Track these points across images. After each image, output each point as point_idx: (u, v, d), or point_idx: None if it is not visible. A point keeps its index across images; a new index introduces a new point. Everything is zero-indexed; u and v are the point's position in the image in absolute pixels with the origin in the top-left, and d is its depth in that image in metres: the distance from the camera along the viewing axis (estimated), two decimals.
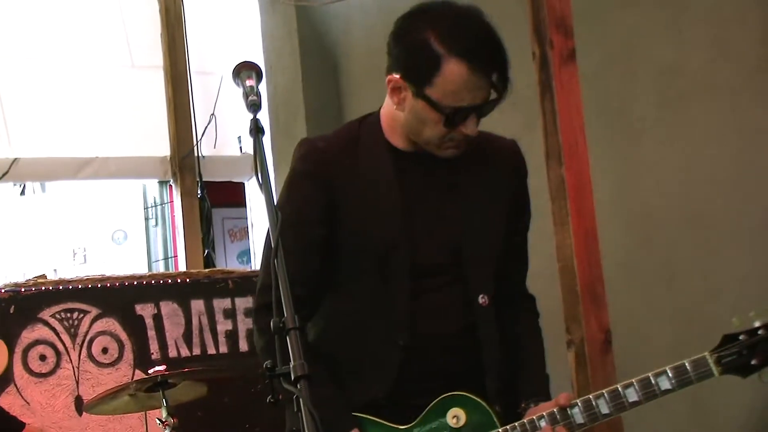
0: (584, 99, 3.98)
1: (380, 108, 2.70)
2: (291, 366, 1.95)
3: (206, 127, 7.18)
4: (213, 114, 7.19)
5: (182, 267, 7.09)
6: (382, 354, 2.59)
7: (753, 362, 2.41)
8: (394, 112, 2.61)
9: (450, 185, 2.65)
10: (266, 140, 2.26)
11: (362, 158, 2.63)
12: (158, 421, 3.98)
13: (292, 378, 1.93)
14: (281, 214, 2.45)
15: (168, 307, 5.07)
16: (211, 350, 5.10)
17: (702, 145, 4.27)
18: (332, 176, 2.59)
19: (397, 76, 2.53)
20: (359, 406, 2.58)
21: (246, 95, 2.27)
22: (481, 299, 2.62)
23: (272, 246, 2.08)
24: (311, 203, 2.60)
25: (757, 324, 2.42)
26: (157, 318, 5.04)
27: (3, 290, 4.75)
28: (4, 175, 6.60)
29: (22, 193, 9.32)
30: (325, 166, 2.61)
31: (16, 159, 6.57)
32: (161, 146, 7.09)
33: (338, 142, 2.68)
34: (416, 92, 2.50)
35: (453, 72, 2.45)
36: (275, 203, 2.18)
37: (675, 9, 4.37)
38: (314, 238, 2.60)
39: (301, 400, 1.90)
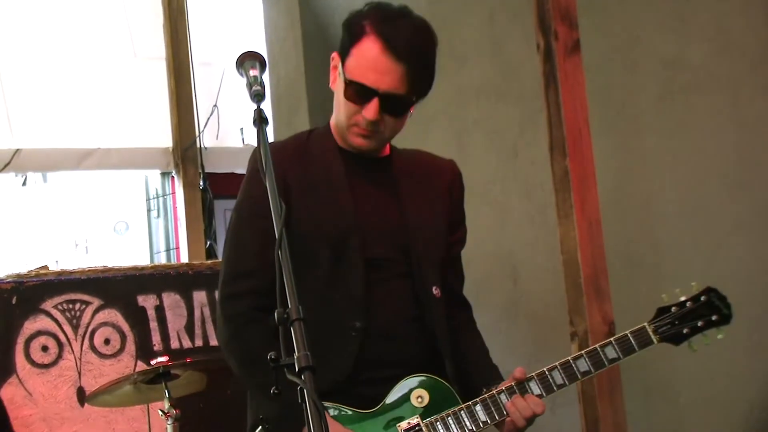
0: (587, 91, 3.97)
1: (329, 121, 2.84)
2: (295, 357, 1.94)
3: (208, 119, 7.18)
4: (215, 105, 7.20)
5: (184, 258, 7.10)
6: (339, 338, 2.66)
7: (684, 331, 2.70)
8: (334, 109, 2.77)
9: (394, 187, 2.81)
10: (269, 131, 2.25)
11: (313, 157, 2.77)
12: (160, 413, 3.98)
13: (296, 369, 1.92)
14: (240, 212, 2.76)
15: (170, 299, 5.07)
16: (213, 342, 5.09)
17: (705, 137, 4.26)
18: (285, 175, 2.69)
19: (336, 53, 2.72)
20: (321, 392, 2.60)
21: (250, 85, 2.29)
22: (434, 290, 2.77)
23: (276, 237, 2.09)
24: (266, 200, 2.63)
25: (683, 298, 2.74)
26: (159, 309, 5.03)
27: (5, 281, 4.75)
28: (6, 165, 6.60)
29: (24, 183, 9.33)
30: (279, 164, 2.66)
31: (18, 150, 6.57)
32: (163, 137, 7.09)
33: (290, 146, 2.83)
34: (341, 67, 2.67)
35: (366, 46, 2.62)
36: (278, 194, 2.17)
37: (678, 1, 4.36)
38: (270, 231, 2.62)
39: (305, 391, 1.89)
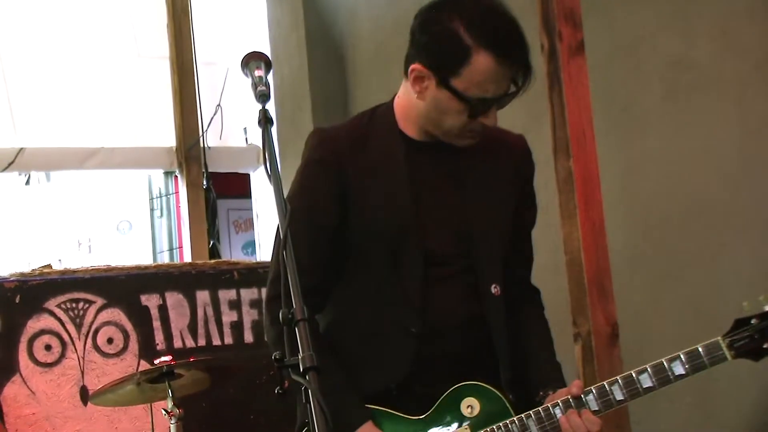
0: (591, 91, 3.97)
1: (393, 98, 2.71)
2: (300, 357, 1.94)
3: (212, 118, 7.18)
4: (219, 105, 7.20)
5: (187, 258, 7.10)
6: (395, 343, 2.58)
7: (765, 345, 2.41)
8: (411, 102, 2.62)
9: (458, 176, 2.67)
10: (272, 130, 2.24)
11: (374, 147, 2.65)
12: (164, 412, 3.98)
13: (301, 369, 1.92)
14: (293, 203, 2.47)
15: (173, 298, 5.07)
16: (216, 341, 5.10)
17: (709, 137, 4.26)
18: (344, 165, 2.60)
19: (421, 66, 2.54)
20: (371, 396, 2.58)
21: (255, 85, 2.26)
22: (494, 289, 2.64)
23: (281, 237, 2.06)
24: (323, 192, 2.60)
25: (767, 308, 2.42)
26: (163, 309, 5.03)
27: (9, 280, 4.75)
28: (9, 164, 6.61)
29: (28, 182, 9.34)
30: (337, 155, 2.62)
31: (21, 149, 6.58)
32: (167, 137, 7.09)
33: (350, 132, 2.69)
34: (441, 82, 2.51)
35: (481, 63, 2.46)
36: (283, 194, 2.16)
37: (682, 2, 4.35)
38: (326, 227, 2.60)
39: (309, 391, 1.89)
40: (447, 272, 2.62)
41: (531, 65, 2.54)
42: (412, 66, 2.55)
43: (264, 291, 2.75)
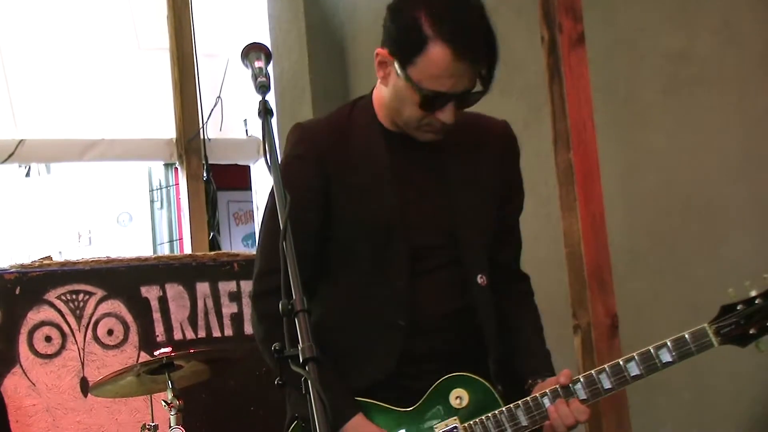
0: (591, 84, 3.97)
1: (372, 90, 2.71)
2: (300, 348, 1.94)
3: (212, 110, 7.17)
4: (219, 96, 7.19)
5: (187, 250, 7.10)
6: (382, 336, 2.59)
7: (751, 331, 2.43)
8: (381, 91, 2.63)
9: (441, 167, 2.66)
10: (273, 122, 2.24)
11: (355, 140, 2.64)
12: (163, 403, 3.98)
13: (301, 360, 1.92)
14: (273, 199, 2.54)
15: (173, 290, 5.07)
16: (217, 333, 5.10)
17: (709, 131, 4.25)
18: (326, 160, 2.60)
19: (385, 51, 2.54)
20: (361, 390, 2.59)
21: (255, 77, 2.26)
22: (480, 279, 2.64)
23: (280, 229, 2.06)
24: (305, 187, 2.59)
25: (753, 293, 2.45)
26: (163, 300, 5.03)
27: (9, 271, 4.75)
28: (9, 156, 6.60)
29: (28, 174, 9.33)
30: (318, 149, 2.62)
31: (21, 140, 6.57)
32: (167, 129, 7.08)
33: (330, 125, 2.69)
34: (400, 69, 2.50)
35: (436, 55, 2.44)
36: (283, 185, 2.16)
37: None
38: (309, 222, 2.59)
39: (309, 382, 1.89)
40: (433, 264, 2.62)
41: (494, 67, 2.49)
42: (377, 50, 2.56)
43: None
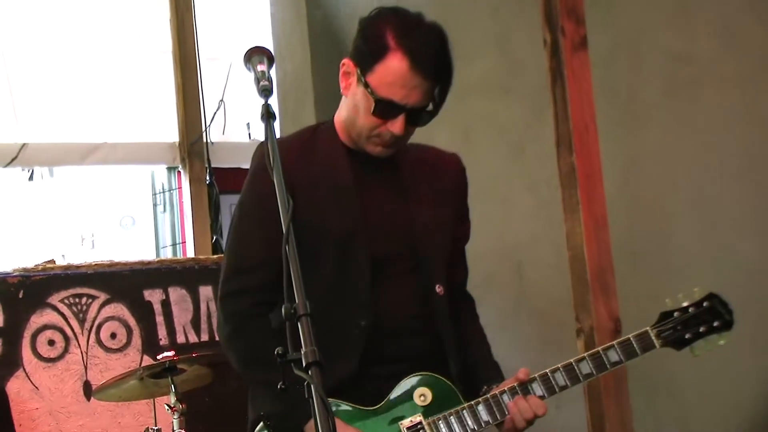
0: (594, 87, 3.97)
1: (332, 116, 2.82)
2: (302, 352, 1.95)
3: (215, 113, 7.17)
4: (222, 100, 7.19)
5: (190, 253, 7.10)
6: (345, 336, 2.66)
7: (686, 336, 2.71)
8: (342, 109, 2.76)
9: (400, 184, 2.80)
10: (275, 126, 2.25)
11: (319, 155, 2.76)
12: (166, 407, 3.98)
13: (304, 364, 1.93)
14: (244, 209, 2.73)
15: (176, 293, 5.07)
16: None
17: (711, 133, 4.26)
18: (291, 172, 2.63)
19: (350, 60, 2.67)
20: (326, 389, 2.60)
21: (257, 80, 2.28)
22: (438, 288, 2.77)
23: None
24: (271, 196, 2.61)
25: (685, 303, 2.74)
26: (166, 304, 5.04)
27: (12, 275, 4.76)
28: (12, 160, 6.60)
29: (31, 178, 9.34)
30: (284, 163, 2.63)
31: (24, 144, 6.57)
32: (170, 132, 7.08)
33: (296, 142, 2.81)
34: (359, 77, 2.63)
35: (393, 64, 2.58)
36: (285, 189, 2.17)
37: None
38: (274, 229, 2.61)
39: (312, 386, 1.90)
40: (394, 271, 2.74)
41: (446, 90, 2.65)
42: (343, 60, 2.70)
43: None
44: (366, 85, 2.61)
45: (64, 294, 4.84)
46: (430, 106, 2.66)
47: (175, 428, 3.97)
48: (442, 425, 2.64)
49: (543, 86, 4.09)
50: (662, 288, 4.42)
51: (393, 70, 2.58)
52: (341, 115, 2.77)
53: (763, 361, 4.05)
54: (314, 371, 1.92)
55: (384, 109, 2.61)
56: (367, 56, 2.62)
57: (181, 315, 5.05)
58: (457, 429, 2.63)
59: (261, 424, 2.67)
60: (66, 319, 4.81)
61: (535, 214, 4.81)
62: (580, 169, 3.88)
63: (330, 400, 2.56)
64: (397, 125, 2.63)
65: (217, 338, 5.03)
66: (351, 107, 2.69)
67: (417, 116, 2.65)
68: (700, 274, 4.25)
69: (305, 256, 2.62)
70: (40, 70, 6.72)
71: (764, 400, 4.06)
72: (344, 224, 2.69)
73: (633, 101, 4.56)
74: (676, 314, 2.72)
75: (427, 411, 2.65)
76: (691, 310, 2.73)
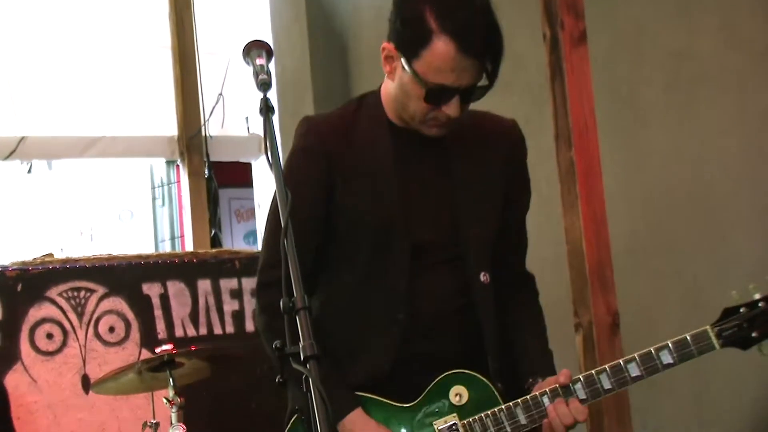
0: (593, 82, 3.97)
1: (380, 86, 2.72)
2: (300, 346, 1.94)
3: (214, 107, 7.17)
4: (221, 94, 7.19)
5: (189, 247, 7.10)
6: (382, 331, 2.60)
7: (753, 335, 2.45)
8: (388, 85, 2.64)
9: (447, 164, 2.67)
10: (274, 120, 2.24)
11: (361, 134, 2.65)
12: (165, 401, 3.98)
13: (302, 358, 1.92)
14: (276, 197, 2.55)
15: (175, 287, 5.07)
16: (218, 330, 5.10)
17: (710, 129, 4.26)
18: (331, 155, 2.60)
19: (391, 45, 2.56)
20: (359, 384, 2.59)
21: (256, 74, 2.27)
22: (483, 277, 2.65)
23: (281, 225, 2.06)
24: (309, 181, 2.60)
25: (756, 296, 2.46)
26: (164, 298, 5.04)
27: (10, 268, 4.75)
28: (11, 153, 6.60)
29: (29, 171, 9.34)
30: (325, 144, 2.63)
31: (23, 137, 6.57)
32: (169, 126, 7.08)
33: (338, 120, 2.70)
34: (405, 63, 2.51)
35: (440, 49, 2.45)
36: (284, 183, 2.16)
37: None
38: (312, 216, 2.60)
39: (310, 380, 1.89)
40: (434, 261, 2.63)
41: (499, 62, 2.51)
42: (384, 45, 2.58)
43: None
44: (414, 73, 2.49)
45: (62, 287, 4.83)
46: (484, 81, 2.54)
47: (173, 422, 3.97)
48: (477, 427, 2.54)
49: (542, 81, 4.09)
50: (661, 283, 4.43)
51: (440, 55, 2.45)
52: (388, 92, 2.65)
53: (762, 361, 4.05)
54: (312, 365, 1.91)
55: (436, 95, 2.50)
56: (411, 42, 2.49)
57: (180, 309, 5.05)
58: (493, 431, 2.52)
59: (295, 417, 2.60)
60: (64, 313, 4.81)
61: (533, 210, 4.78)
62: (579, 165, 3.87)
63: (363, 394, 2.56)
64: (452, 108, 2.52)
65: (215, 332, 5.10)
66: (400, 91, 2.57)
67: (471, 94, 2.54)
68: (698, 269, 4.26)
69: (342, 244, 2.62)
70: (39, 64, 6.72)
71: (764, 401, 4.06)
72: (383, 213, 2.59)
73: (633, 97, 4.56)
74: (742, 310, 2.46)
75: (463, 411, 2.56)
76: (761, 304, 2.45)
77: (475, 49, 2.47)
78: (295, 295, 2.01)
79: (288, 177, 2.60)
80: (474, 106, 2.66)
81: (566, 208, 3.92)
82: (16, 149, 6.59)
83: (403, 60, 2.52)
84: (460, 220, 2.64)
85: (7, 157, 6.64)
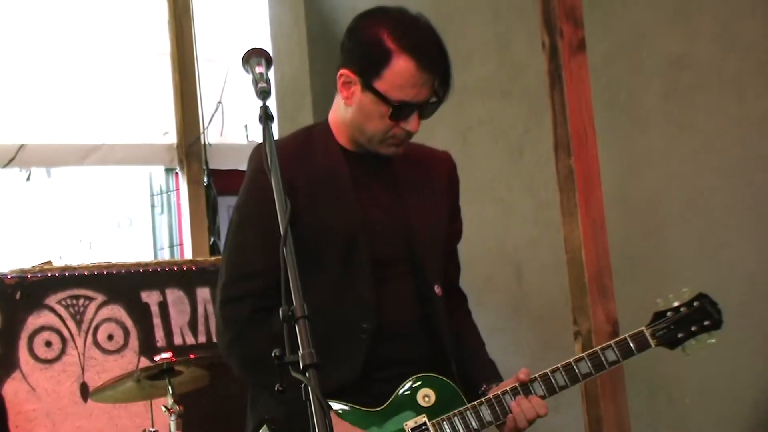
0: (592, 90, 3.97)
1: (326, 117, 2.83)
2: (300, 355, 1.95)
3: (213, 115, 7.18)
4: (220, 102, 7.20)
5: (188, 255, 7.10)
6: (348, 339, 2.67)
7: (679, 335, 2.78)
8: (341, 113, 2.76)
9: (396, 184, 2.82)
10: (273, 128, 2.25)
11: (317, 156, 2.76)
12: (164, 409, 3.98)
13: (302, 367, 1.92)
14: (242, 212, 2.73)
15: (173, 295, 5.07)
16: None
17: (709, 136, 4.26)
18: (291, 174, 2.64)
19: (348, 70, 2.68)
20: (328, 393, 2.60)
21: (255, 82, 2.28)
22: (437, 289, 2.80)
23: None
24: (270, 199, 2.61)
25: (677, 303, 2.82)
26: (163, 305, 5.04)
27: (9, 276, 4.75)
28: (10, 161, 6.61)
29: (28, 179, 9.33)
30: (284, 164, 2.63)
31: (22, 145, 6.57)
32: (168, 134, 7.09)
33: (293, 144, 2.82)
34: (365, 85, 2.65)
35: (401, 66, 2.61)
36: (283, 191, 2.17)
37: (683, 0, 4.36)
38: (274, 232, 2.61)
39: (310, 389, 1.89)
40: (394, 274, 2.76)
41: (450, 76, 2.69)
42: (340, 71, 2.69)
43: None
44: (375, 92, 2.63)
45: (61, 295, 4.83)
46: (434, 98, 2.69)
47: (172, 430, 3.97)
48: (446, 426, 2.67)
49: (542, 89, 4.10)
50: (660, 291, 4.41)
51: (401, 72, 2.61)
52: (338, 117, 2.77)
53: (760, 363, 4.05)
54: (311, 373, 1.92)
55: (400, 111, 2.64)
56: (371, 64, 2.63)
57: (179, 317, 5.05)
58: (461, 429, 2.66)
59: (264, 427, 2.66)
60: (63, 321, 4.81)
61: (533, 217, 4.81)
62: (578, 172, 3.88)
63: (334, 401, 2.61)
64: (412, 123, 2.67)
65: (214, 340, 5.09)
66: (359, 114, 2.69)
67: (428, 110, 2.70)
68: (697, 277, 4.25)
69: (307, 258, 2.64)
70: (39, 71, 6.72)
71: (762, 403, 4.06)
72: (347, 226, 2.70)
73: (632, 104, 4.56)
74: (668, 314, 2.80)
75: (431, 412, 2.68)
76: (682, 309, 2.80)
77: (432, 65, 2.64)
78: (294, 303, 2.01)
79: (248, 197, 2.75)
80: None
81: (565, 216, 3.92)
82: (15, 157, 6.59)
83: (362, 83, 2.64)
84: (415, 235, 2.78)
85: (6, 165, 6.65)
